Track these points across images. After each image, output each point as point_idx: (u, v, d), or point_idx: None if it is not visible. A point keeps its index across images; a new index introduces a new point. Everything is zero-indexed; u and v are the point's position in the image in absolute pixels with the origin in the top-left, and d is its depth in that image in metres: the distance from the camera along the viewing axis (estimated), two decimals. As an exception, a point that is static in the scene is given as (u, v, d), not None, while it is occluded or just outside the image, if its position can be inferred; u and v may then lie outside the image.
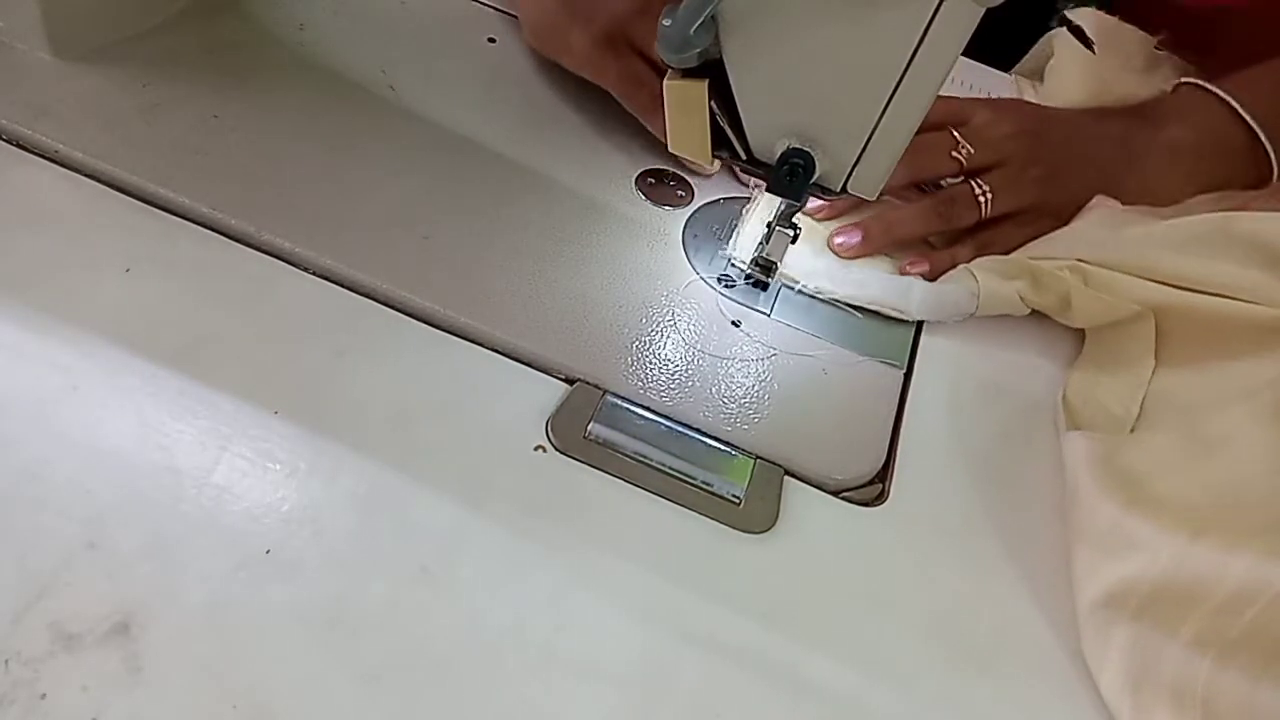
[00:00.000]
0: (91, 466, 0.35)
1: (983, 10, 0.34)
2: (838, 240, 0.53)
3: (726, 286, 0.50)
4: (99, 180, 0.45)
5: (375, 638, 0.34)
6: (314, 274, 0.44)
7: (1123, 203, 0.54)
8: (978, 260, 0.52)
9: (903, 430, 0.46)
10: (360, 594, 0.35)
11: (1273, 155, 0.56)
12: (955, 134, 0.54)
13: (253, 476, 0.37)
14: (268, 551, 0.35)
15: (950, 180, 0.55)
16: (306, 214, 0.46)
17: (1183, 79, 0.60)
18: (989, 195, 0.53)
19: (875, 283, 0.51)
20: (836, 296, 0.50)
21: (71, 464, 0.35)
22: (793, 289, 0.50)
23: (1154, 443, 0.39)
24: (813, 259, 0.52)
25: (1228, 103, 0.57)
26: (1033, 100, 0.66)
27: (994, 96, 0.66)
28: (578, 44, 0.55)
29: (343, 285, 0.44)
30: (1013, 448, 0.46)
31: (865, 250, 0.53)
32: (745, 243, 0.51)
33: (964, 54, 0.36)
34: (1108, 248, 0.50)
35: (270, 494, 0.36)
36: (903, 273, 0.53)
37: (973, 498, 0.44)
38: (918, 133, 0.39)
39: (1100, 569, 0.38)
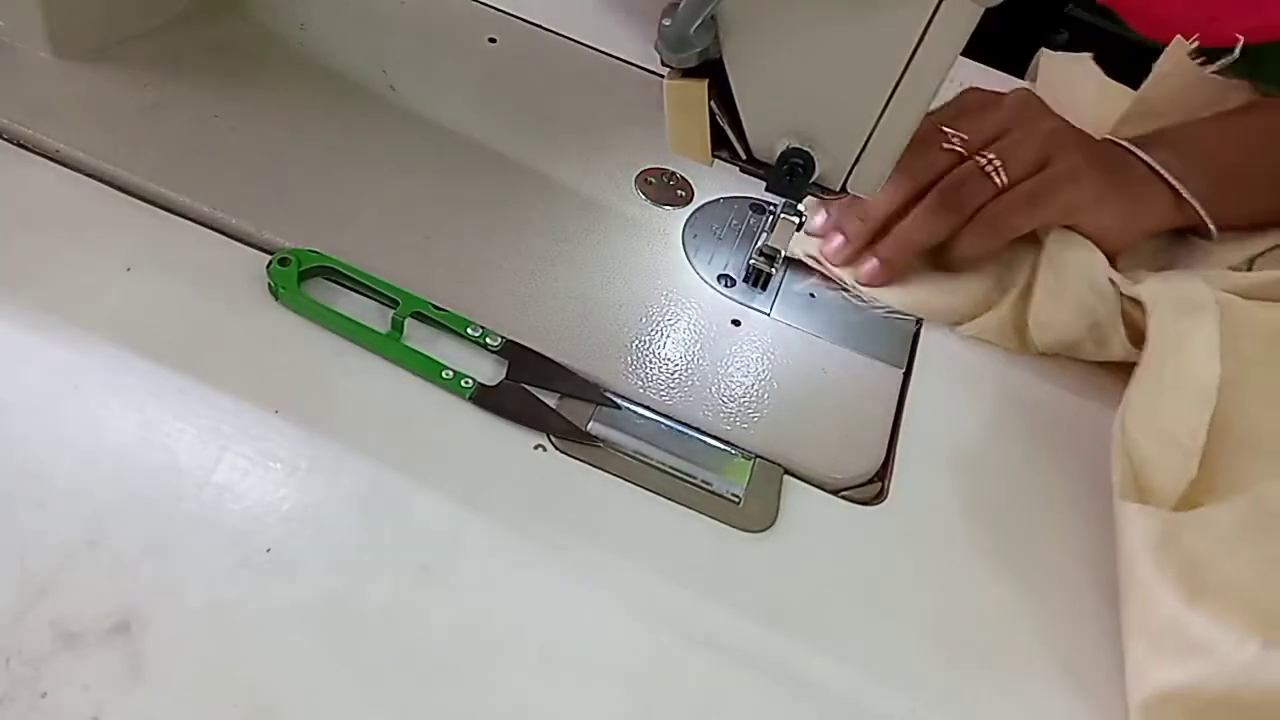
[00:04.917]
0: (92, 466, 0.36)
1: (983, 10, 0.34)
2: (862, 276, 0.50)
3: (727, 286, 0.50)
4: (99, 180, 0.45)
5: (376, 637, 0.34)
6: (314, 274, 0.44)
7: (1092, 214, 0.50)
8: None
9: (902, 429, 0.46)
10: (361, 593, 0.35)
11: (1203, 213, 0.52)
12: (944, 128, 0.49)
13: (253, 475, 0.37)
14: (268, 550, 0.35)
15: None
16: (306, 214, 0.46)
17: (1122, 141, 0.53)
18: (998, 163, 0.47)
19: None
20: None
21: (71, 464, 0.35)
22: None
23: (1216, 520, 0.36)
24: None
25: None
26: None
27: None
28: None
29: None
30: (1012, 445, 0.46)
31: (889, 275, 0.49)
32: None
33: (964, 54, 0.36)
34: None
35: (271, 493, 0.36)
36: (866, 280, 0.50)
37: (972, 496, 0.44)
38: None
39: (1158, 668, 0.36)
